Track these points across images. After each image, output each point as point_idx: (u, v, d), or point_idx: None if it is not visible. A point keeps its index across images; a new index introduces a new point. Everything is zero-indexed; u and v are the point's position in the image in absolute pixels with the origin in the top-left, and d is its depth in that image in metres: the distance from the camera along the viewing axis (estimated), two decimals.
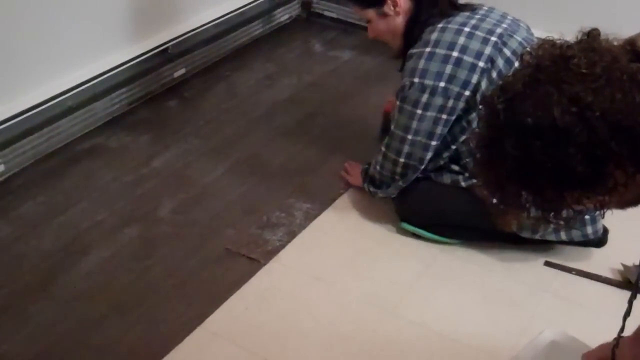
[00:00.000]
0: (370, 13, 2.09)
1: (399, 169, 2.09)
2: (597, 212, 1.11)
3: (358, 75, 3.00)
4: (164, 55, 2.77)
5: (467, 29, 1.97)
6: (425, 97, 1.96)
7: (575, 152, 1.01)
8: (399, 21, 2.07)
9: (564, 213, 1.10)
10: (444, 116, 1.98)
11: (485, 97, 1.14)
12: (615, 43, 1.09)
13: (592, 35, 1.09)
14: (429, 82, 1.95)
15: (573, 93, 1.02)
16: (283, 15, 3.29)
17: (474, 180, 2.02)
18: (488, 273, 2.06)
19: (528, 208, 1.11)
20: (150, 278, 2.02)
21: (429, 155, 2.04)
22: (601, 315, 1.89)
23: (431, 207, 2.12)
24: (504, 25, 2.01)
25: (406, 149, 2.04)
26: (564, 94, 1.02)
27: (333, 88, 2.90)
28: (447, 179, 2.08)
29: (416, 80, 1.97)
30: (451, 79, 1.94)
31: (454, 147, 2.05)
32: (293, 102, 2.82)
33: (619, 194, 1.06)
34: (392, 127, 2.08)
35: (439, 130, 2.00)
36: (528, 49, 1.11)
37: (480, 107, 1.16)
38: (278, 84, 2.93)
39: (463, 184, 2.05)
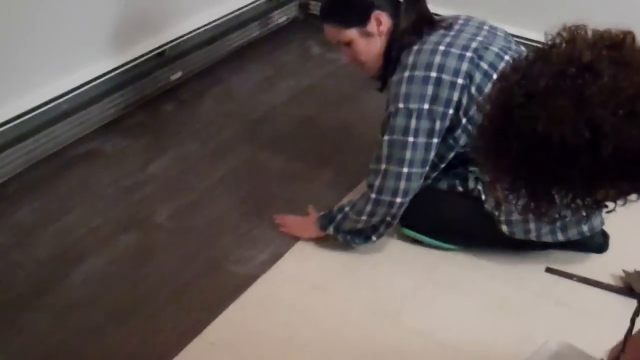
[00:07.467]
0: (353, 33, 1.99)
1: (394, 210, 1.99)
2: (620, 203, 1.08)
3: (357, 78, 2.93)
4: (160, 58, 2.74)
5: (442, 48, 1.92)
6: (413, 123, 1.90)
7: (575, 174, 1.00)
8: (380, 42, 2.00)
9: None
10: (434, 140, 1.92)
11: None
12: None
13: (626, 45, 0.99)
14: (413, 105, 1.89)
15: (591, 116, 0.96)
16: (280, 17, 3.26)
17: (470, 186, 2.03)
18: (489, 280, 2.04)
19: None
20: (147, 286, 2.00)
21: (420, 183, 1.99)
22: (603, 322, 1.87)
23: (432, 213, 2.10)
24: (480, 38, 1.96)
25: (403, 185, 1.94)
26: (582, 113, 0.96)
27: (331, 91, 2.87)
28: (443, 184, 2.07)
29: (400, 105, 1.90)
30: (434, 99, 1.89)
31: (442, 166, 2.02)
32: (291, 105, 2.80)
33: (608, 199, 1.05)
34: (380, 165, 1.95)
35: (431, 156, 1.94)
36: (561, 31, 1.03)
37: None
38: (276, 87, 2.90)
39: (460, 188, 2.04)
